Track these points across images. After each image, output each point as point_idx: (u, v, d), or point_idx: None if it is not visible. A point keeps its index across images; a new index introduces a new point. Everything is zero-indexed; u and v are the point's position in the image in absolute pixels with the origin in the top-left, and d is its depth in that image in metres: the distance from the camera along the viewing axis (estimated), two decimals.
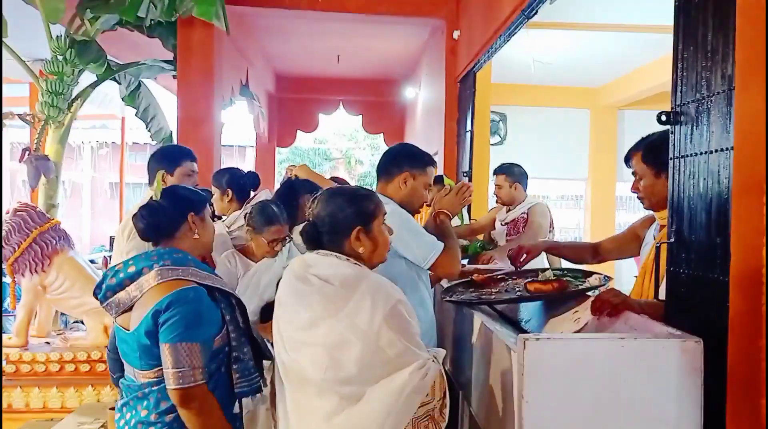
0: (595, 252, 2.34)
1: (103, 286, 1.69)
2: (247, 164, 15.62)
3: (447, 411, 1.48)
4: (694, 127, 1.57)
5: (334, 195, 1.64)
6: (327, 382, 1.45)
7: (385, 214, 1.71)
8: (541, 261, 2.98)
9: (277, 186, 3.21)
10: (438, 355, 1.52)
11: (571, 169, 7.76)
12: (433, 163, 2.27)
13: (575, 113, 7.60)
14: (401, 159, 2.23)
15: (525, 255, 2.27)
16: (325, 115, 8.62)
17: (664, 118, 1.68)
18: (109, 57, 4.63)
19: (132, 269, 1.64)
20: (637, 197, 2.04)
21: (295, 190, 2.74)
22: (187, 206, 1.76)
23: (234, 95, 5.49)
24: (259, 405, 1.78)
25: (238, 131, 11.11)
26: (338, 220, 1.59)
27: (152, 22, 4.17)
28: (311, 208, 1.64)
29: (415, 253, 2.04)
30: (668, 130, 1.68)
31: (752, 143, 1.22)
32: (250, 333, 1.75)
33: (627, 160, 2.06)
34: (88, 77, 4.64)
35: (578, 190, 8.21)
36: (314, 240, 1.61)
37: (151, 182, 2.37)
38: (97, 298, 1.72)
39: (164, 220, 1.72)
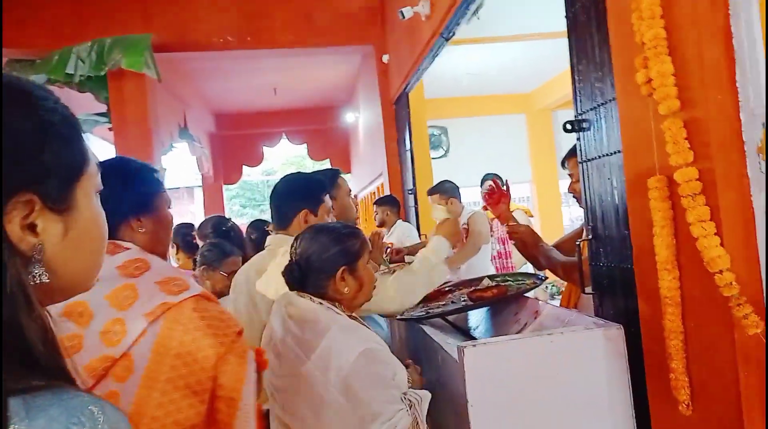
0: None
1: None
2: (197, 205, 15.43)
3: None
4: (595, 132, 1.72)
5: (318, 234, 1.59)
6: None
7: (370, 250, 1.66)
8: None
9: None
10: (419, 399, 1.45)
11: (515, 173, 7.98)
12: (334, 177, 2.16)
13: (512, 119, 7.88)
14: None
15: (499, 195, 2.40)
16: (269, 147, 8.66)
17: (569, 126, 1.83)
18: None
19: None
20: (573, 197, 2.18)
21: (220, 222, 3.07)
22: None
23: (173, 139, 5.49)
24: None
25: (183, 173, 10.97)
26: (322, 260, 1.54)
27: (82, 77, 4.17)
28: (294, 248, 1.60)
29: None
30: None
31: (634, 146, 1.37)
32: None
33: (563, 163, 2.18)
34: None
35: (526, 192, 8.48)
36: (297, 280, 1.57)
37: (287, 224, 1.92)
38: None
39: None
